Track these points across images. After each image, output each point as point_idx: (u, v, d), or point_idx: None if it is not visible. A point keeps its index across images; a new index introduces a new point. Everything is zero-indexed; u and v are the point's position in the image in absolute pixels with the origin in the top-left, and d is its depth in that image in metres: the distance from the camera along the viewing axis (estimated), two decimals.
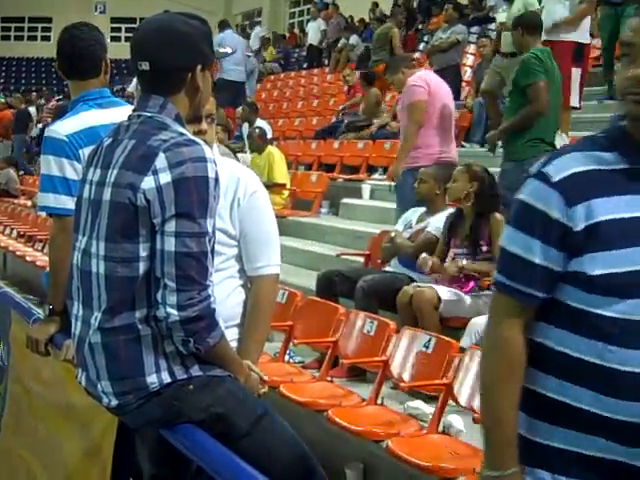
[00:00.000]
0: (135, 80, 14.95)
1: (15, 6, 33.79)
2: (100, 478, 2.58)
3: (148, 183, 2.04)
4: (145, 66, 2.17)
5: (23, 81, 33.32)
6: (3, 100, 21.72)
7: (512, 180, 5.02)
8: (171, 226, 2.03)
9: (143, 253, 2.08)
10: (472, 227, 4.98)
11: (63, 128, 2.86)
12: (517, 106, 5.73)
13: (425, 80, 6.19)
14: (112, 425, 2.51)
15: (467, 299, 4.90)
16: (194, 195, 2.03)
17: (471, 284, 4.93)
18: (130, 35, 2.47)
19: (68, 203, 2.72)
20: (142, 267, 2.08)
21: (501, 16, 8.38)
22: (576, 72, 7.16)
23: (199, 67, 2.20)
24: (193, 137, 2.14)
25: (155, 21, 2.23)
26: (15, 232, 11.13)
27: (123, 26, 33.62)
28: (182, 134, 2.12)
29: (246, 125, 10.68)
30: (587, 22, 7.50)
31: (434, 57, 10.31)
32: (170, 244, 2.03)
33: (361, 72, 11.60)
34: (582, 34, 7.39)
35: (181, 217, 2.03)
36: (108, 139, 2.25)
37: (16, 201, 13.84)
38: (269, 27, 27.55)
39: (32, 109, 18.04)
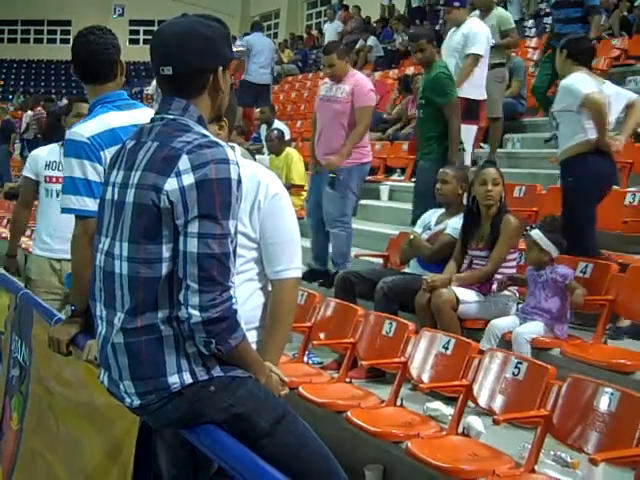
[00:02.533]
0: (154, 82, 15.06)
1: (35, 9, 34.09)
2: (121, 478, 2.59)
3: (171, 185, 2.05)
4: (168, 70, 2.17)
5: (43, 84, 33.59)
6: (21, 101, 21.89)
7: (429, 177, 5.91)
8: (194, 227, 2.04)
9: (166, 254, 2.09)
10: (492, 229, 4.97)
11: (84, 130, 2.88)
12: (433, 118, 6.30)
13: None
14: (133, 425, 2.53)
15: (486, 301, 4.89)
16: (217, 197, 2.04)
17: (491, 285, 4.92)
18: (148, 38, 2.48)
19: (90, 205, 2.74)
20: (165, 268, 2.10)
21: None
22: (468, 129, 6.93)
23: (220, 69, 2.22)
24: (216, 139, 2.15)
25: (175, 24, 2.23)
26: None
27: (141, 29, 33.82)
28: (205, 136, 2.13)
29: (264, 127, 10.69)
30: (480, 77, 7.33)
31: None
32: (193, 245, 2.04)
33: (399, 77, 11.64)
34: (475, 90, 7.22)
35: (204, 218, 2.04)
36: (131, 141, 2.26)
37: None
38: (287, 28, 27.60)
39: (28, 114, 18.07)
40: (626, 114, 5.34)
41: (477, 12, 8.09)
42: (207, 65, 2.20)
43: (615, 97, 5.26)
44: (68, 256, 4.39)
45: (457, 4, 7.21)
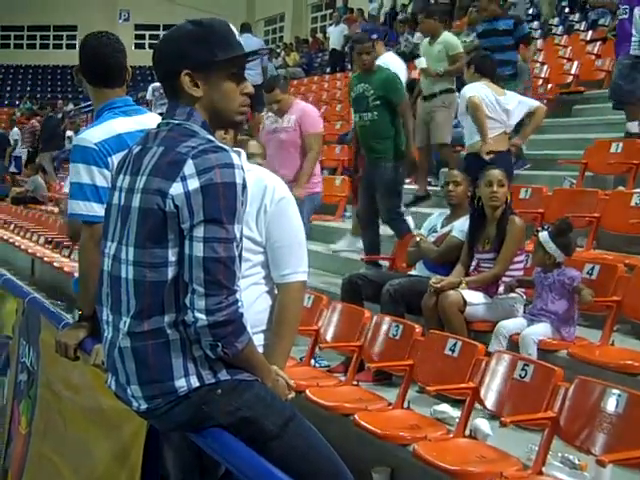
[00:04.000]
0: (150, 88, 15.42)
1: (40, 15, 34.19)
2: None
3: (177, 189, 2.07)
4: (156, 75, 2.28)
5: (49, 89, 33.68)
6: (28, 107, 21.95)
7: (394, 175, 6.42)
8: (200, 231, 2.05)
9: (172, 258, 2.10)
10: (497, 231, 4.97)
11: (92, 136, 2.89)
12: (389, 118, 6.41)
13: None
14: (141, 429, 2.54)
15: (493, 302, 4.89)
16: (222, 201, 2.05)
17: (498, 287, 4.92)
18: (154, 42, 2.53)
19: (98, 210, 2.74)
20: (171, 272, 2.10)
21: (421, 61, 8.32)
22: None
23: (184, 71, 2.19)
24: (220, 144, 2.16)
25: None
26: (43, 238, 11.25)
27: (147, 33, 33.88)
28: (210, 141, 2.14)
29: None
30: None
31: None
32: (198, 249, 2.05)
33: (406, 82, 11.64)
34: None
35: (209, 223, 2.05)
36: (137, 146, 2.28)
37: (43, 207, 14.00)
38: (292, 32, 27.64)
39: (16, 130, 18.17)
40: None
41: (426, 39, 8.23)
42: (167, 68, 2.23)
43: (517, 106, 6.24)
44: None
45: (375, 36, 7.24)
